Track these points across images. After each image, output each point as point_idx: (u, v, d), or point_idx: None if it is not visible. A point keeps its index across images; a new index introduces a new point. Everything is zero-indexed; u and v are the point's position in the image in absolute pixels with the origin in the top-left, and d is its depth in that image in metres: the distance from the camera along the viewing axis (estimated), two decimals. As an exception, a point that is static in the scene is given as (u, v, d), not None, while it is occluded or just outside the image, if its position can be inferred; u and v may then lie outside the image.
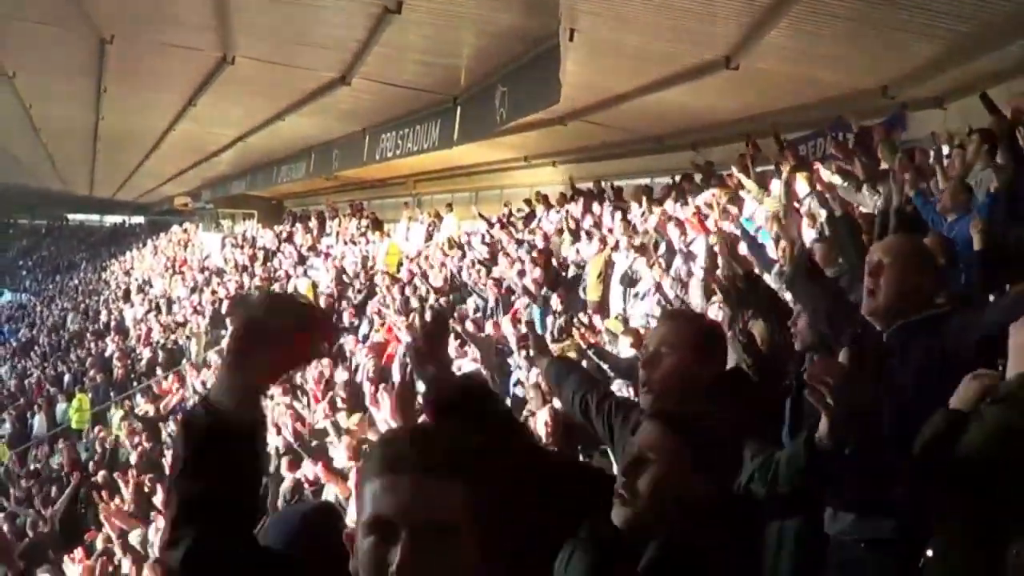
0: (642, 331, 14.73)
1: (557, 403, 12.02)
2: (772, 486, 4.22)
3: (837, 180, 15.53)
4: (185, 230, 56.17)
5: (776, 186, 17.75)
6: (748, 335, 7.41)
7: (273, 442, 18.33)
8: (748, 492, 4.26)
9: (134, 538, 14.37)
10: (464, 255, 26.29)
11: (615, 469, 3.96)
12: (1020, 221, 10.49)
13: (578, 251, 21.36)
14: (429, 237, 31.50)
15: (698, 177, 22.02)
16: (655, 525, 3.43)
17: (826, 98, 19.08)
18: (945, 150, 14.62)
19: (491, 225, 27.95)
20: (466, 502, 2.14)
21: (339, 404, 19.05)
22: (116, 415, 29.98)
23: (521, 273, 21.51)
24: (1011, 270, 9.34)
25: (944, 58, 16.13)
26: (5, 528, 21.55)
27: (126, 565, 14.70)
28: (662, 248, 18.75)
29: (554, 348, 15.31)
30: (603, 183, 25.69)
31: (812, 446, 3.93)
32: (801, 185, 16.92)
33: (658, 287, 16.81)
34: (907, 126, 18.31)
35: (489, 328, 19.54)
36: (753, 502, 4.34)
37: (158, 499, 17.25)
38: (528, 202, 28.02)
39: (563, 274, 21.06)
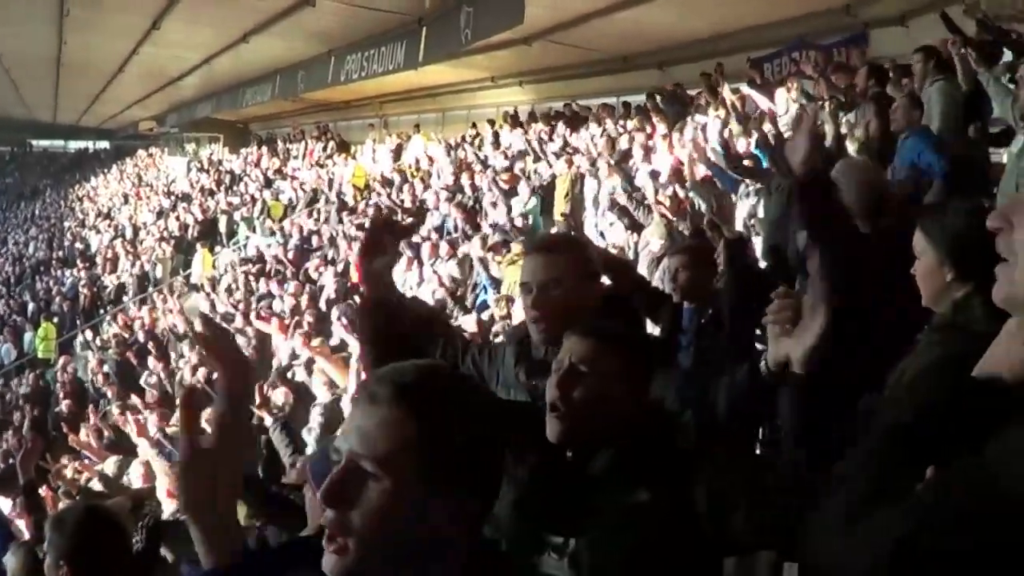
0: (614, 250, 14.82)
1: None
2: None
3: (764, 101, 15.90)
4: (151, 155, 55.86)
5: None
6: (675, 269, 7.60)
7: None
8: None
9: (109, 467, 14.29)
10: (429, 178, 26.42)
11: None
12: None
13: (537, 171, 21.40)
14: (396, 158, 31.46)
15: (658, 98, 22.09)
16: (591, 435, 3.49)
17: (790, 17, 19.15)
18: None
19: (453, 147, 28.07)
20: None
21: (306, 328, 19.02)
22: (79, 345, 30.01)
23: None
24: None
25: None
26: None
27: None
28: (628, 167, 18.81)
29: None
30: (572, 105, 25.78)
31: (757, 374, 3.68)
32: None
33: (612, 203, 16.85)
34: (869, 44, 18.42)
35: (445, 248, 19.64)
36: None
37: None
38: (492, 122, 28.05)
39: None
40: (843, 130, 13.02)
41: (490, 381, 4.67)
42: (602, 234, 17.73)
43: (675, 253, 7.94)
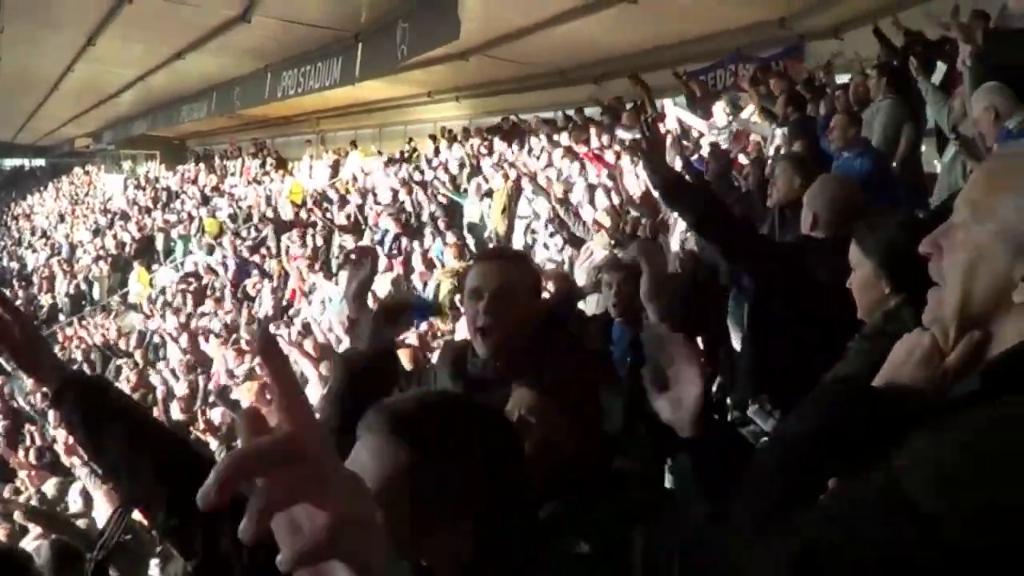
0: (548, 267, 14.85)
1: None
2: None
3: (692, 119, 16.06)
4: (87, 172, 55.48)
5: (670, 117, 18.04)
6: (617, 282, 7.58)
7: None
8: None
9: (49, 489, 14.13)
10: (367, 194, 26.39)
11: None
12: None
13: (479, 186, 21.40)
14: (334, 174, 31.42)
15: (590, 111, 22.24)
16: (543, 486, 3.39)
17: (725, 30, 19.27)
18: (842, 79, 14.88)
19: (389, 163, 28.14)
20: None
21: (243, 347, 18.87)
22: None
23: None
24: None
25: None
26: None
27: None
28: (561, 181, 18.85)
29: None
30: (511, 118, 25.88)
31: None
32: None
33: (554, 217, 16.84)
34: (804, 57, 18.59)
35: (385, 263, 19.61)
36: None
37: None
38: (433, 138, 28.08)
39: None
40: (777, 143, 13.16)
41: None
42: (533, 244, 17.83)
43: (612, 268, 7.85)
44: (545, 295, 8.29)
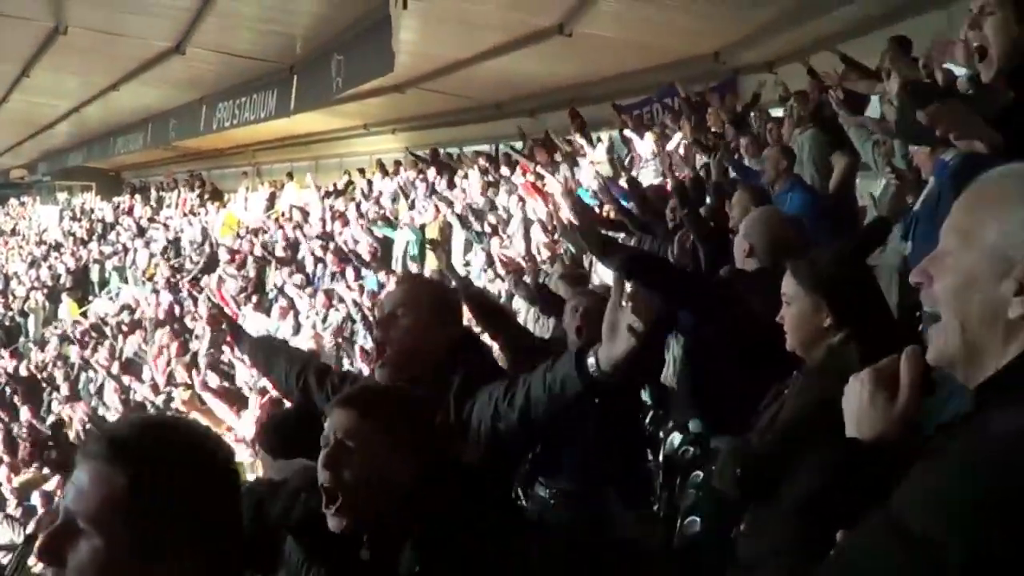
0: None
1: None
2: (527, 408, 3.78)
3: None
4: (22, 203, 55.08)
5: (600, 150, 18.14)
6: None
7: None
8: (495, 430, 3.91)
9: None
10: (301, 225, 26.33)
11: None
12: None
13: (412, 218, 21.40)
14: (270, 206, 31.32)
15: (519, 144, 22.26)
16: (378, 520, 3.30)
17: (660, 64, 19.35)
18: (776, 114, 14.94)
19: (326, 195, 28.13)
20: None
21: (177, 379, 18.79)
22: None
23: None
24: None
25: (774, 24, 16.51)
26: None
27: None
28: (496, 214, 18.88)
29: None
30: (441, 150, 25.95)
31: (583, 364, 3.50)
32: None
33: (488, 255, 16.86)
34: (739, 91, 18.66)
35: (321, 297, 19.59)
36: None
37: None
38: (362, 171, 28.08)
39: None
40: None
41: None
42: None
43: (583, 294, 7.73)
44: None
